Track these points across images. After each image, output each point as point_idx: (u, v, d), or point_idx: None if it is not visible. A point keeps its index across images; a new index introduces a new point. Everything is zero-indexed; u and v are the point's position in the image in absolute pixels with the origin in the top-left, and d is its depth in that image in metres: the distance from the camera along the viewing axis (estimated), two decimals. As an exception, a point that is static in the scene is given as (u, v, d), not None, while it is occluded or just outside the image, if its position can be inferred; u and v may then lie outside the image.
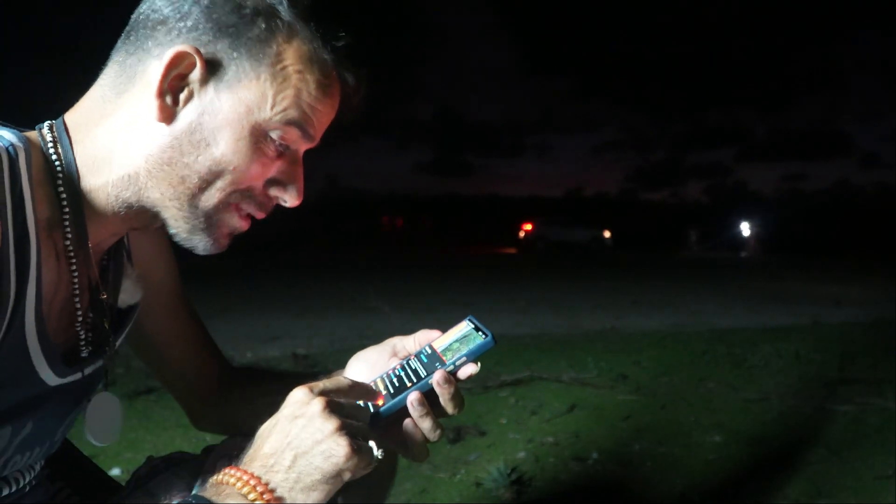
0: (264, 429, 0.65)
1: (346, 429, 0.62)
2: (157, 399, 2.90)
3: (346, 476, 0.62)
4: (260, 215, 0.74)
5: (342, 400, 0.66)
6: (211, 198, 0.69)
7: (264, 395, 0.94)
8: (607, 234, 26.39)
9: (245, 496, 0.59)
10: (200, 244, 0.72)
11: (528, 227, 27.43)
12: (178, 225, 0.70)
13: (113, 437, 0.81)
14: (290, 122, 0.69)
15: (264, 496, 0.59)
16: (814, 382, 3.41)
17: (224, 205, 0.70)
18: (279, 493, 0.60)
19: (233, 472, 0.61)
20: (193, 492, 0.62)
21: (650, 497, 2.05)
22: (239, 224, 0.73)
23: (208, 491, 0.61)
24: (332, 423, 0.62)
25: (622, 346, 4.44)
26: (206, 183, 0.68)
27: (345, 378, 0.70)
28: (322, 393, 0.65)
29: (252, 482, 0.60)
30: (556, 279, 11.57)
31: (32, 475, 0.77)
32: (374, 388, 0.74)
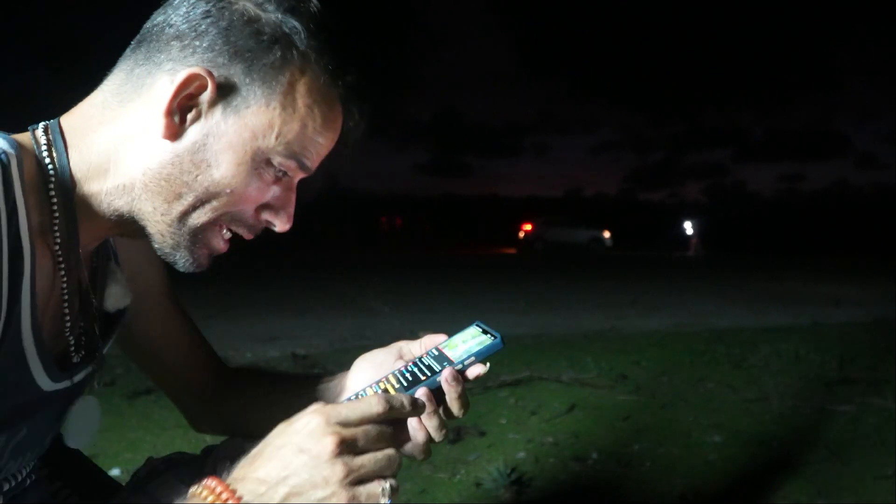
0: (266, 445, 0.61)
1: (352, 480, 0.58)
2: (157, 399, 2.89)
3: None
4: (248, 237, 0.74)
5: (360, 435, 0.61)
6: (201, 216, 0.69)
7: (263, 396, 0.94)
8: (607, 234, 26.40)
9: None
10: (181, 260, 0.71)
11: (528, 227, 27.44)
12: (164, 240, 0.70)
13: (90, 440, 0.81)
14: (291, 155, 0.69)
15: None
16: (813, 382, 3.41)
17: (212, 224, 0.70)
18: None
19: (220, 490, 0.57)
20: (180, 500, 0.58)
21: (650, 497, 2.05)
22: (221, 246, 0.73)
23: (194, 500, 0.57)
24: (338, 473, 0.58)
25: (622, 346, 4.44)
26: (201, 202, 0.68)
27: (370, 399, 0.64)
28: (340, 424, 0.60)
29: None
30: (555, 279, 11.58)
31: (27, 472, 0.77)
32: (385, 385, 0.74)
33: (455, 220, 41.35)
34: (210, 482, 0.58)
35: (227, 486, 0.57)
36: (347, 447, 0.59)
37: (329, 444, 0.58)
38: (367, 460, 0.60)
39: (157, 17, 0.68)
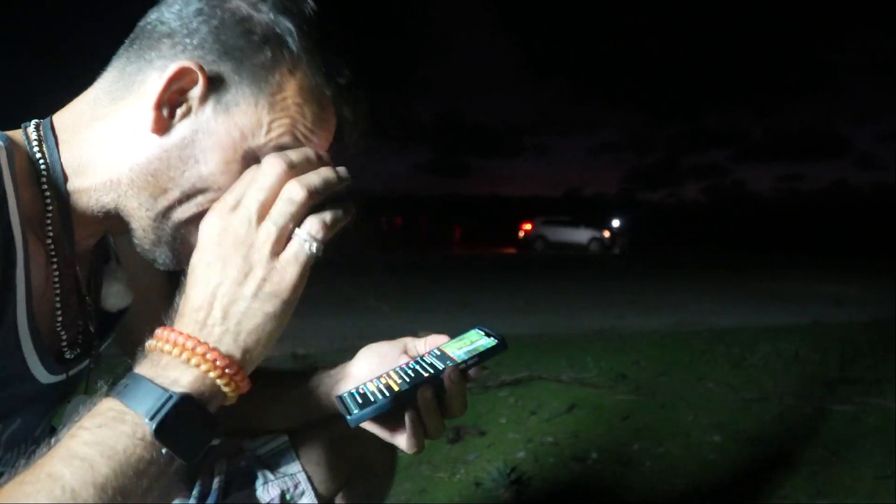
0: (189, 271, 0.61)
1: (281, 259, 0.58)
2: (157, 399, 2.89)
3: (298, 296, 0.59)
4: None
5: (253, 205, 0.61)
6: (186, 212, 0.68)
7: (261, 391, 0.94)
8: (607, 234, 26.40)
9: (187, 362, 0.55)
10: (161, 257, 0.71)
11: (528, 227, 27.44)
12: (145, 236, 0.69)
13: None
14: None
15: (207, 356, 0.55)
16: (813, 382, 3.41)
17: (197, 219, 0.68)
18: (224, 347, 0.56)
19: (166, 334, 0.57)
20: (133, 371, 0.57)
21: (650, 497, 2.05)
22: None
23: (144, 365, 0.56)
24: (259, 263, 0.59)
25: (621, 345, 4.44)
26: (186, 197, 0.67)
27: (269, 167, 0.64)
28: (232, 209, 0.62)
29: (190, 345, 0.56)
30: (555, 279, 11.57)
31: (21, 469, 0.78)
32: (387, 380, 0.75)
33: (454, 219, 41.37)
34: (164, 333, 0.58)
35: (180, 331, 0.58)
36: (252, 231, 0.60)
37: (234, 239, 0.59)
38: (270, 220, 0.60)
39: (151, 15, 0.68)
